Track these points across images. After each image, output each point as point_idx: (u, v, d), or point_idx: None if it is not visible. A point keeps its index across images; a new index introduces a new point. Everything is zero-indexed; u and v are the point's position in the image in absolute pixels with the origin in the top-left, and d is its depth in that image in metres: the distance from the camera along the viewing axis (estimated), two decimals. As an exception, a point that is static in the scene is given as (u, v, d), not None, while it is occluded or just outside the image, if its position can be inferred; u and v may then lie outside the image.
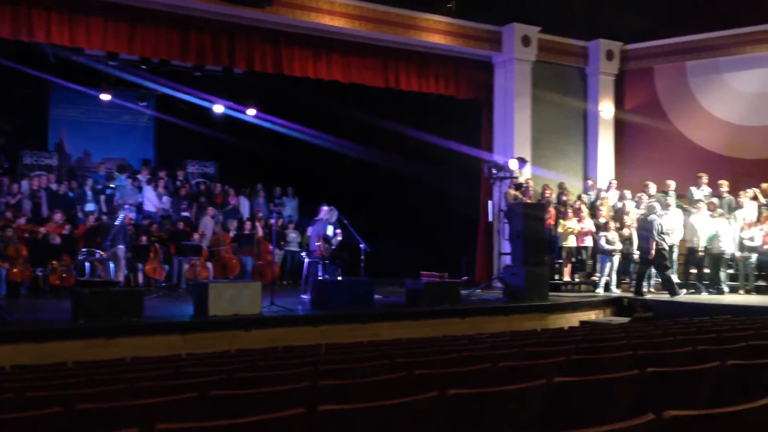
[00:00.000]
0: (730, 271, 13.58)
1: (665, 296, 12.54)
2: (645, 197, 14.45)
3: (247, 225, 15.27)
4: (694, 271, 13.62)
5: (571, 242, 13.94)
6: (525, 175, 15.02)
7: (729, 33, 15.38)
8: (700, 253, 13.27)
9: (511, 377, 4.02)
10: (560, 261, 14.19)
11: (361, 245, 12.25)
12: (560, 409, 3.61)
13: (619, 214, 14.26)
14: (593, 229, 13.90)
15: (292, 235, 15.85)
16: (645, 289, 12.98)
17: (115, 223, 12.95)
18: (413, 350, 6.08)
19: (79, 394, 3.81)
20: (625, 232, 13.67)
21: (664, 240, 12.64)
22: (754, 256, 13.01)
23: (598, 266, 14.00)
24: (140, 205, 15.25)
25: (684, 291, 12.80)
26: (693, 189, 14.41)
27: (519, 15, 15.32)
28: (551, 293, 12.82)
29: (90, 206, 14.61)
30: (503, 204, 13.81)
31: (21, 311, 10.01)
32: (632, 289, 13.18)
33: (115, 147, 17.73)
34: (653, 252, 12.56)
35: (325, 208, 12.78)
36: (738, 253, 13.19)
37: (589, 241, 13.94)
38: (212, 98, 16.78)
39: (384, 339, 8.43)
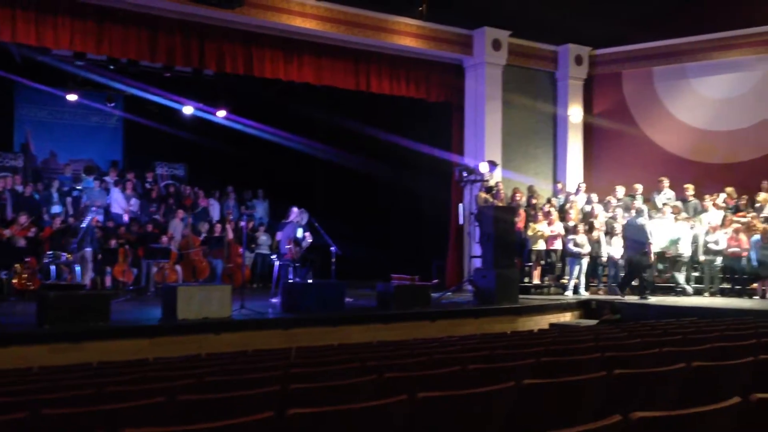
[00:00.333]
0: (695, 273, 13.80)
1: (634, 299, 12.67)
2: (613, 200, 14.64)
3: (217, 227, 15.13)
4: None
5: (540, 245, 14.04)
6: (495, 178, 15.11)
7: (695, 39, 15.67)
8: (654, 257, 13.26)
9: (481, 380, 4.03)
10: (530, 264, 14.28)
11: (332, 248, 12.20)
12: (530, 411, 3.63)
13: (587, 218, 14.41)
14: (563, 232, 14.02)
15: (263, 237, 15.76)
16: (600, 290, 13.10)
17: (82, 225, 12.76)
18: (384, 353, 6.08)
19: (44, 399, 3.73)
20: (594, 235, 13.80)
21: (650, 243, 12.78)
22: (718, 259, 13.23)
23: (567, 269, 14.13)
24: (108, 208, 15.03)
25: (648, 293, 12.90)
26: (654, 193, 14.60)
27: (490, 19, 15.42)
28: (521, 296, 12.90)
29: (56, 208, 14.38)
30: (474, 207, 13.87)
31: (-16, 315, 9.80)
32: (601, 292, 13.25)
33: (83, 148, 17.48)
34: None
35: (296, 210, 12.72)
36: (703, 257, 13.41)
37: (558, 244, 14.05)
38: (182, 99, 16.61)
39: (355, 342, 8.43)
